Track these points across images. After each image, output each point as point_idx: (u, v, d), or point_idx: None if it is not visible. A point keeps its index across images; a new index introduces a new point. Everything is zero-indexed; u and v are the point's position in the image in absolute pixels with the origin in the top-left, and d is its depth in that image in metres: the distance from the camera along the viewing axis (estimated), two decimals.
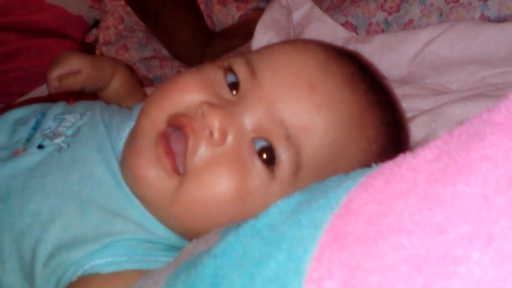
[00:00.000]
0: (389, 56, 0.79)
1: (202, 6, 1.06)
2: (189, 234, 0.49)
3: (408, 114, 0.72)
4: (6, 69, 1.03)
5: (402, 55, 0.80)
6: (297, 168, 0.47)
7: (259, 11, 1.00)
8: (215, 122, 0.46)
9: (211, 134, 0.46)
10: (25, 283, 0.48)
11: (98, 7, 1.11)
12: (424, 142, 0.66)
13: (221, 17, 1.08)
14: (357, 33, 0.88)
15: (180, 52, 1.00)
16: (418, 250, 0.28)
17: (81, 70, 0.65)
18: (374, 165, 0.39)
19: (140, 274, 0.46)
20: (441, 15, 0.85)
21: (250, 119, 0.47)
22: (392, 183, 0.32)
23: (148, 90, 0.78)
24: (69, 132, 0.55)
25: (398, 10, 0.87)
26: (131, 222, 0.49)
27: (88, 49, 1.10)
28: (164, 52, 1.03)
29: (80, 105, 0.62)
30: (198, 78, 0.50)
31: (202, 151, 0.46)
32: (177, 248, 0.49)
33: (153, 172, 0.47)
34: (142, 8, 0.97)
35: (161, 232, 0.50)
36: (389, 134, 0.52)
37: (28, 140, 0.56)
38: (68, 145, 0.54)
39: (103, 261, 0.46)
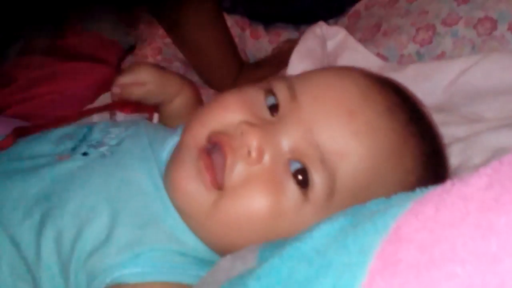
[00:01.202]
0: (423, 85, 0.80)
1: (235, 40, 1.08)
2: (219, 248, 0.50)
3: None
4: (43, 92, 1.05)
5: (436, 84, 0.80)
6: (331, 192, 0.47)
7: (291, 42, 1.02)
8: (253, 141, 0.47)
9: (249, 153, 0.47)
10: (61, 281, 0.50)
11: (133, 34, 1.14)
12: (459, 169, 0.66)
13: (254, 50, 1.10)
14: None
15: (213, 80, 1.01)
16: (473, 280, 0.28)
17: (146, 83, 0.67)
18: (419, 190, 0.39)
19: (166, 286, 0.47)
20: (473, 47, 0.85)
21: (287, 141, 0.48)
22: (443, 210, 0.32)
23: None
24: (113, 142, 0.58)
25: (430, 42, 0.88)
26: (163, 232, 0.50)
27: None
28: (200, 83, 1.04)
29: (126, 121, 0.65)
30: (239, 98, 0.52)
31: (240, 169, 0.48)
32: (206, 262, 0.50)
33: (194, 185, 0.49)
34: (179, 36, 0.99)
35: (192, 243, 0.51)
36: (428, 166, 0.52)
37: (74, 149, 0.58)
38: (112, 153, 0.56)
39: (132, 271, 0.48)
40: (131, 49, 1.18)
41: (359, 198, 0.47)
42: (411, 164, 0.50)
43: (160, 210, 0.51)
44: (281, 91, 0.51)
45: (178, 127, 0.61)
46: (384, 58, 0.88)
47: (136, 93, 0.67)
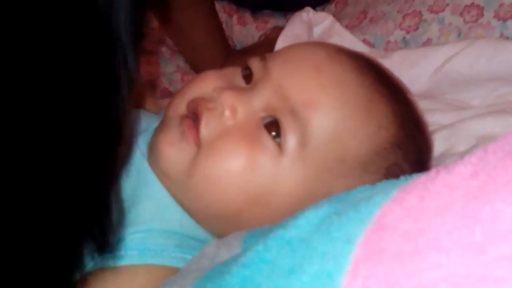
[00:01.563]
0: (409, 71, 0.79)
1: (223, 26, 1.07)
2: (204, 216, 0.51)
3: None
4: None
5: (422, 71, 0.79)
6: (303, 141, 0.49)
7: (279, 30, 1.01)
8: (227, 99, 0.50)
9: (223, 111, 0.50)
10: None
11: None
12: (443, 156, 0.66)
13: (241, 37, 1.08)
14: None
15: (199, 64, 1.00)
16: (458, 269, 0.28)
17: None
18: (403, 178, 0.39)
19: (149, 269, 0.48)
20: (459, 34, 0.85)
21: (259, 101, 0.51)
22: (427, 199, 0.32)
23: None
24: None
25: (416, 29, 0.87)
26: (145, 210, 0.50)
27: None
28: (187, 68, 1.03)
29: None
30: (217, 72, 0.55)
31: (215, 125, 0.50)
32: (191, 242, 0.50)
33: (177, 145, 0.50)
34: (168, 21, 0.98)
35: (176, 218, 0.51)
36: (403, 127, 0.52)
37: None
38: None
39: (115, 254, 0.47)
40: None
41: (334, 150, 0.49)
42: (383, 120, 0.51)
43: (142, 189, 0.51)
44: (254, 63, 0.53)
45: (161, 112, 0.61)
46: (370, 45, 0.88)
47: None
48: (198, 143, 0.49)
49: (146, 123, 0.59)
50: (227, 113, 0.50)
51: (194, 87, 0.54)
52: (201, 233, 0.52)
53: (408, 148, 0.52)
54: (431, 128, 0.71)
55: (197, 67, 1.02)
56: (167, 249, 0.49)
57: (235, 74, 0.55)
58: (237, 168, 0.48)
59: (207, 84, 0.53)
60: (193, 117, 0.51)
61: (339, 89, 0.50)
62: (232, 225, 0.49)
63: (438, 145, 0.68)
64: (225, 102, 0.50)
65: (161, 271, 0.48)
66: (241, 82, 0.54)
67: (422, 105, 0.73)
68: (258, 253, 0.37)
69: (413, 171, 0.51)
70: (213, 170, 0.48)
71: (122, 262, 0.47)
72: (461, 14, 0.85)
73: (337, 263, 0.32)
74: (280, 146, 0.49)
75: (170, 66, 1.06)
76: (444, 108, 0.74)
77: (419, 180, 0.35)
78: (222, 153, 0.49)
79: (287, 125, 0.49)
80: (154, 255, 0.48)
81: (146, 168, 0.53)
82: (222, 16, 1.09)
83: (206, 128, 0.50)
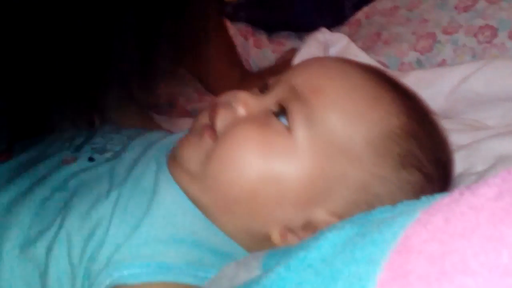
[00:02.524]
0: (425, 92, 0.78)
1: (238, 49, 1.08)
2: (221, 208, 0.51)
3: None
4: None
5: (438, 91, 0.80)
6: (310, 121, 0.50)
7: (294, 51, 1.01)
8: (240, 97, 0.53)
9: (236, 107, 0.53)
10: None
11: None
12: (462, 176, 0.66)
13: (257, 59, 1.09)
14: None
15: (215, 88, 1.00)
16: None
17: None
18: (425, 198, 0.39)
19: (165, 286, 0.48)
20: (474, 55, 0.86)
21: (271, 99, 0.53)
22: (453, 221, 0.32)
23: (186, 121, 0.80)
24: (117, 148, 0.59)
25: (430, 50, 0.88)
26: (159, 217, 0.51)
27: None
28: (202, 89, 1.04)
29: (128, 130, 0.66)
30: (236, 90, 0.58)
31: (229, 118, 0.53)
32: (203, 250, 0.50)
33: (196, 143, 0.53)
34: (178, 45, 0.98)
35: (188, 221, 0.51)
36: (416, 118, 0.53)
37: (78, 149, 0.59)
38: (116, 158, 0.57)
39: (131, 272, 0.48)
40: None
41: (341, 130, 0.50)
42: (392, 108, 0.52)
43: (155, 198, 0.52)
44: (272, 79, 0.56)
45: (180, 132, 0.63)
46: (385, 66, 0.88)
47: None
48: (214, 138, 0.52)
49: (156, 136, 0.62)
50: (240, 106, 0.53)
51: (215, 102, 0.56)
52: (213, 237, 0.52)
53: (422, 140, 0.52)
54: None
55: (213, 91, 1.01)
56: (180, 266, 0.49)
57: (253, 90, 0.57)
58: (249, 148, 0.50)
59: (227, 96, 0.55)
60: (212, 117, 0.53)
61: (346, 79, 0.53)
62: (246, 213, 0.50)
63: (456, 165, 0.67)
64: (238, 98, 0.53)
65: None
66: (256, 92, 0.56)
67: None
68: (280, 275, 0.37)
69: (434, 171, 0.53)
70: (227, 152, 0.50)
71: (138, 280, 0.47)
72: (475, 35, 0.86)
73: (362, 285, 0.32)
74: (288, 128, 0.50)
75: (187, 87, 1.07)
76: (461, 129, 0.74)
77: (443, 201, 0.35)
78: (234, 136, 0.51)
79: (293, 108, 0.51)
80: (167, 272, 0.48)
81: (160, 179, 0.54)
82: (238, 39, 1.10)
83: (221, 121, 0.52)
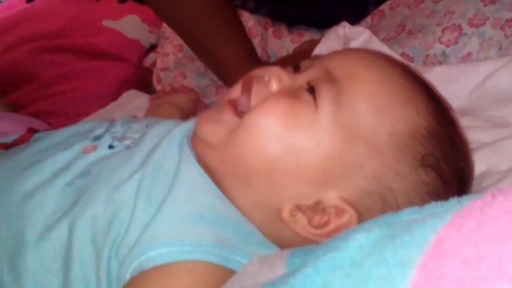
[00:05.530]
0: (449, 87, 0.78)
1: (257, 39, 1.07)
2: (241, 179, 0.52)
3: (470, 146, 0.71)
4: (64, 90, 1.05)
5: (462, 87, 0.78)
6: (337, 101, 0.51)
7: (313, 42, 1.00)
8: (274, 72, 0.54)
9: (270, 81, 0.54)
10: (93, 270, 0.51)
11: (157, 32, 1.13)
12: (486, 175, 0.65)
13: (276, 49, 1.09)
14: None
15: (231, 82, 1.00)
16: None
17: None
18: (455, 201, 0.39)
19: (191, 264, 0.48)
20: (500, 49, 0.84)
21: (303, 78, 0.54)
22: (487, 224, 0.32)
23: None
24: (137, 135, 0.60)
25: (456, 42, 0.86)
26: (180, 194, 0.52)
27: (145, 73, 1.12)
28: (220, 82, 1.04)
29: (146, 118, 0.68)
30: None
31: (263, 93, 0.54)
32: (225, 225, 0.51)
33: (217, 118, 0.55)
34: (191, 40, 0.98)
35: (209, 198, 0.52)
36: (442, 124, 0.53)
37: (99, 138, 0.59)
38: (136, 145, 0.58)
39: (157, 252, 0.48)
40: (152, 47, 1.18)
41: (367, 118, 0.51)
42: (422, 109, 0.52)
43: (176, 179, 0.53)
44: (306, 61, 0.57)
45: None
46: (409, 58, 0.87)
47: None
48: (236, 113, 0.53)
49: (172, 123, 0.62)
50: (273, 81, 0.54)
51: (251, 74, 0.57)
52: (232, 214, 0.52)
53: (445, 144, 0.52)
54: (472, 146, 0.70)
55: (229, 84, 1.01)
56: (204, 244, 0.49)
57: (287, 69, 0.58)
58: (276, 118, 0.51)
59: (261, 70, 0.56)
60: (247, 89, 0.55)
61: (381, 72, 0.53)
62: (263, 184, 0.51)
63: (480, 164, 0.67)
64: (272, 73, 0.54)
65: (203, 268, 0.49)
66: (289, 70, 0.57)
67: (463, 122, 0.72)
68: (309, 276, 0.37)
69: (452, 177, 0.53)
70: (255, 122, 0.51)
71: (164, 260, 0.48)
72: (502, 28, 0.84)
73: (393, 287, 0.32)
74: (316, 104, 0.51)
75: (204, 80, 1.07)
76: (485, 126, 0.73)
77: (475, 204, 0.35)
78: (265, 107, 0.52)
79: (322, 86, 0.51)
80: (191, 251, 0.48)
81: (182, 160, 0.55)
82: (258, 29, 1.09)
83: (255, 96, 0.54)
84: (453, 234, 0.33)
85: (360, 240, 0.37)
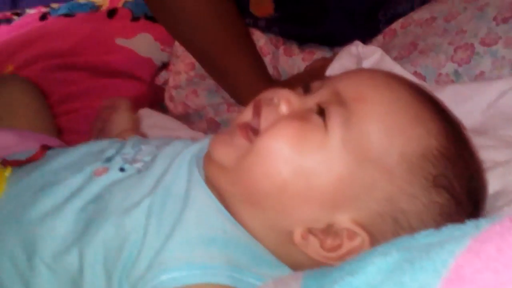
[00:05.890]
0: (462, 106, 0.78)
1: (269, 57, 1.08)
2: (251, 203, 0.52)
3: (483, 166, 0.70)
4: (76, 107, 1.06)
5: (475, 106, 0.78)
6: (347, 124, 0.51)
7: (324, 60, 1.01)
8: (284, 95, 0.54)
9: (279, 104, 0.54)
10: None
11: (169, 51, 1.14)
12: (500, 194, 0.65)
13: (287, 68, 1.09)
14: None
15: (243, 100, 1.00)
16: None
17: None
18: (473, 225, 0.38)
19: (206, 287, 0.48)
20: None
21: (313, 100, 0.54)
22: (506, 250, 0.32)
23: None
24: (147, 158, 0.60)
25: (468, 61, 0.86)
26: (190, 218, 0.51)
27: (157, 91, 1.13)
28: (232, 100, 1.04)
29: (156, 139, 0.67)
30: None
31: (272, 117, 0.54)
32: (235, 248, 0.51)
33: (229, 141, 0.54)
34: (202, 58, 0.98)
35: (220, 222, 0.52)
36: (454, 143, 0.53)
37: (110, 160, 0.60)
38: (147, 168, 0.58)
39: (169, 276, 0.48)
40: (164, 66, 1.19)
41: (378, 140, 0.50)
42: (433, 129, 0.52)
43: (187, 203, 0.53)
44: (316, 82, 0.57)
45: None
46: (421, 77, 0.87)
47: None
48: (248, 138, 0.53)
49: (183, 144, 0.62)
50: (282, 104, 0.54)
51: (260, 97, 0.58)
52: (242, 237, 0.52)
53: (457, 165, 0.52)
54: (485, 165, 0.69)
55: (241, 103, 1.01)
56: (215, 266, 0.49)
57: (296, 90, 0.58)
58: (287, 141, 0.51)
59: (270, 93, 0.57)
60: (256, 114, 0.55)
61: (391, 93, 0.53)
62: (274, 207, 0.51)
63: (494, 183, 0.66)
64: (281, 96, 0.54)
65: None
66: (299, 92, 0.57)
67: (476, 142, 0.72)
68: None
69: (465, 197, 0.52)
70: (266, 146, 0.52)
71: (178, 283, 0.48)
72: None
73: None
74: (325, 126, 0.51)
75: (216, 98, 1.08)
76: (498, 145, 0.72)
77: (494, 229, 0.34)
78: (275, 131, 0.52)
79: (332, 109, 0.52)
80: (203, 274, 0.48)
81: (192, 184, 0.55)
82: (269, 47, 1.10)
83: (266, 120, 0.54)
84: (472, 259, 0.32)
85: (378, 264, 0.37)
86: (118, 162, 0.59)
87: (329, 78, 0.57)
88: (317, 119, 0.52)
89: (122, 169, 0.58)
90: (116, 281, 0.50)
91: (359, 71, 0.61)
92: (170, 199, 0.54)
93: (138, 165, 0.59)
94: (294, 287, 0.45)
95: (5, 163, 0.63)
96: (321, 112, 0.52)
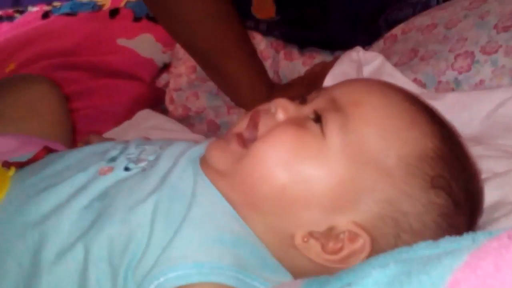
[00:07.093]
0: (461, 114, 0.79)
1: (269, 61, 1.08)
2: (253, 205, 0.53)
3: (482, 176, 0.70)
4: (77, 107, 1.06)
5: (474, 115, 0.79)
6: (344, 128, 0.52)
7: (324, 64, 1.01)
8: (280, 102, 0.56)
9: (276, 112, 0.55)
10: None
11: (170, 52, 1.15)
12: (498, 205, 0.65)
13: (287, 71, 1.09)
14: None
15: (243, 103, 1.00)
16: None
17: None
18: (470, 239, 0.39)
19: (206, 287, 0.48)
20: None
21: (309, 108, 0.56)
22: (503, 268, 0.32)
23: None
24: (152, 158, 0.60)
25: (469, 69, 0.86)
26: (197, 215, 0.52)
27: (158, 92, 1.13)
28: (232, 103, 1.04)
29: (159, 140, 0.68)
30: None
31: (270, 124, 0.55)
32: (242, 248, 0.51)
33: (224, 147, 0.56)
34: (203, 60, 0.99)
35: (226, 220, 0.52)
36: (449, 145, 0.54)
37: (114, 159, 0.60)
38: (152, 167, 0.59)
39: (175, 274, 0.48)
40: (165, 67, 1.19)
41: (375, 143, 0.52)
42: (428, 131, 0.53)
43: (194, 201, 0.53)
44: (312, 93, 0.58)
45: None
46: (422, 84, 0.87)
47: None
48: (243, 145, 0.54)
49: (186, 145, 0.63)
50: (279, 111, 0.55)
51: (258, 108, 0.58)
52: (248, 237, 0.52)
53: (453, 166, 0.53)
54: (484, 175, 0.70)
55: (241, 105, 1.02)
56: (221, 266, 0.49)
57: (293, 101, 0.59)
58: (284, 147, 0.52)
59: (268, 104, 0.57)
60: (253, 123, 0.56)
61: (385, 98, 0.55)
62: (273, 211, 0.52)
63: (492, 194, 0.66)
64: (278, 105, 0.55)
65: None
66: (296, 102, 0.58)
67: (475, 151, 0.72)
68: None
69: (463, 198, 0.53)
70: (263, 151, 0.53)
71: (183, 282, 0.48)
72: None
73: None
74: (322, 132, 0.52)
75: (216, 100, 1.08)
76: (497, 155, 0.73)
77: (491, 245, 0.35)
78: (272, 137, 0.53)
79: (329, 115, 0.53)
80: (210, 273, 0.48)
81: (198, 182, 0.55)
82: (270, 51, 1.10)
83: (263, 127, 0.55)
84: (469, 276, 0.33)
85: (376, 277, 0.38)
86: (122, 161, 0.60)
87: (325, 88, 0.58)
88: (313, 125, 0.53)
89: (127, 168, 0.59)
90: (121, 277, 0.50)
91: (354, 80, 0.63)
92: (177, 197, 0.54)
93: (143, 164, 0.59)
94: None
95: (7, 164, 0.63)
96: (318, 118, 0.53)
